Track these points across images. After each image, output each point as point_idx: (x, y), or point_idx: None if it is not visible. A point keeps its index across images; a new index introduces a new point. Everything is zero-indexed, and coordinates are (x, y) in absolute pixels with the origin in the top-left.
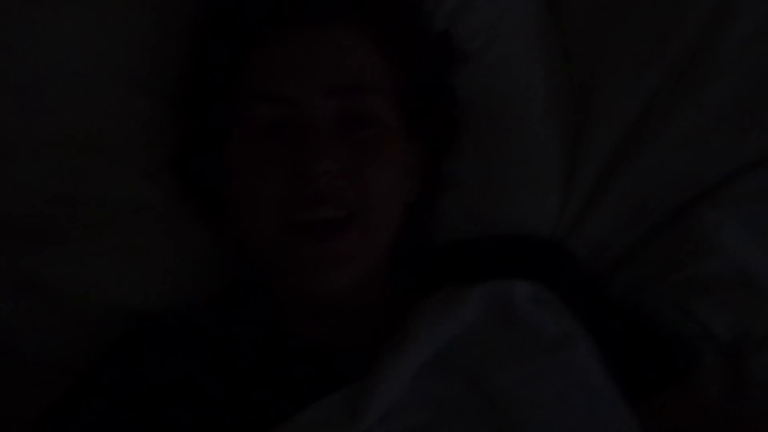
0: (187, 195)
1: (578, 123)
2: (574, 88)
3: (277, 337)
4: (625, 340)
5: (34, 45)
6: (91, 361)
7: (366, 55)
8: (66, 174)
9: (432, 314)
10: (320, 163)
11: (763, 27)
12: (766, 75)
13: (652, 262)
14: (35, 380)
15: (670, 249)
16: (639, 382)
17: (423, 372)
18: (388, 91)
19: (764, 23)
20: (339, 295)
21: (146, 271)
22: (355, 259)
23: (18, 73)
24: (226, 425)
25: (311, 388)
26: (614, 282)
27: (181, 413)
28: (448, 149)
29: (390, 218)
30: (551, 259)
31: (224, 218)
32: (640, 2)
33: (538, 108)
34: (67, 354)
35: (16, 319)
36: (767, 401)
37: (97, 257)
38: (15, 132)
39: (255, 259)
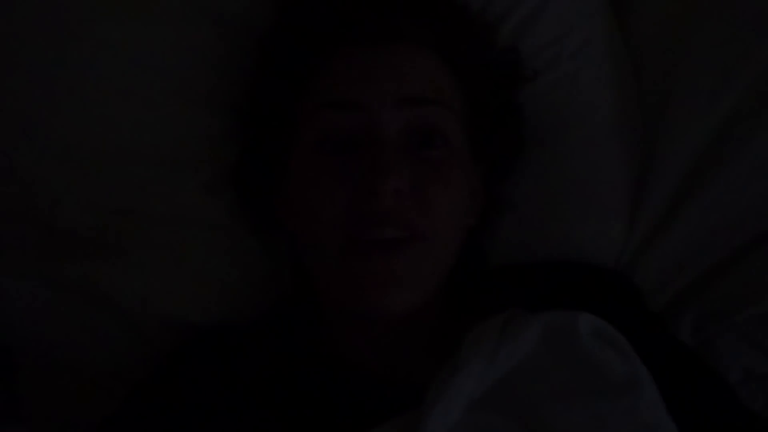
0: (246, 209)
1: (648, 144)
2: (644, 107)
3: (325, 360)
4: (687, 392)
5: (99, 59)
6: (146, 371)
7: (436, 72)
8: (127, 187)
9: (488, 343)
10: (389, 181)
11: None
12: None
13: (725, 294)
14: (92, 388)
15: (744, 281)
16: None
17: (476, 405)
18: (457, 110)
19: None
20: (395, 317)
21: (202, 285)
22: (414, 281)
23: (79, 86)
24: None
25: (357, 415)
26: (683, 315)
27: (227, 428)
28: (511, 169)
29: (452, 241)
30: (616, 292)
31: (282, 233)
32: (717, 18)
33: (605, 127)
34: (123, 363)
35: (75, 327)
36: None
37: (154, 270)
38: (78, 144)
39: (311, 276)
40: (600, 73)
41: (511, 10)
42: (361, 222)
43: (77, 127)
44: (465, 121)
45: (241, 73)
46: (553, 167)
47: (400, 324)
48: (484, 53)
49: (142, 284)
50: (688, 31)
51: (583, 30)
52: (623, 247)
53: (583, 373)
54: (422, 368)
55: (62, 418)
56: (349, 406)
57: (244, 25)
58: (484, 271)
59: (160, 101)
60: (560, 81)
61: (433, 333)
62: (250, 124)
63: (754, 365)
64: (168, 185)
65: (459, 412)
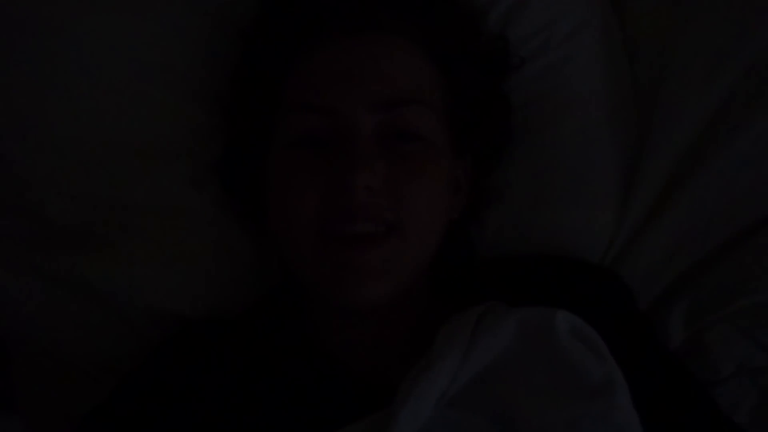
0: (232, 202)
1: (641, 131)
2: (637, 92)
3: (308, 353)
4: (660, 397)
5: (84, 51)
6: (135, 363)
7: (416, 65)
8: (113, 180)
9: (462, 338)
10: (360, 177)
11: None
12: None
13: (716, 285)
14: (81, 379)
15: (736, 272)
16: None
17: (450, 400)
18: (437, 103)
19: None
20: (373, 308)
21: (189, 277)
22: (391, 272)
23: (67, 79)
24: None
25: (337, 410)
26: (674, 306)
27: (211, 420)
28: (498, 160)
29: (430, 235)
30: (602, 290)
31: (265, 226)
32: (711, 3)
33: (596, 115)
34: (114, 355)
35: (66, 319)
36: None
37: (141, 262)
38: (66, 137)
39: (292, 268)
40: (592, 59)
41: None
42: (334, 217)
43: (65, 120)
44: (447, 113)
45: (226, 66)
46: (543, 156)
47: (382, 317)
48: (468, 43)
49: (131, 276)
50: (682, 16)
51: (576, 14)
52: (613, 236)
53: (558, 372)
54: (407, 362)
55: (56, 409)
56: (328, 402)
57: (230, 18)
58: (472, 263)
59: (147, 94)
60: (550, 68)
61: (418, 327)
62: (233, 118)
63: (746, 357)
64: (155, 178)
65: (429, 410)
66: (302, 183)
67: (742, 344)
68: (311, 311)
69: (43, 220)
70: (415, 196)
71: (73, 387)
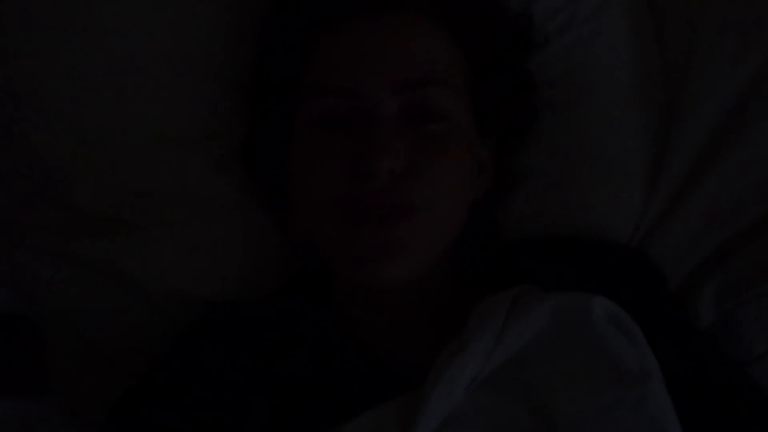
0: (256, 186)
1: (669, 109)
2: (665, 69)
3: (334, 336)
4: (696, 385)
5: (105, 38)
6: (164, 347)
7: (437, 45)
8: (138, 166)
9: (495, 321)
10: (383, 162)
11: None
12: None
13: (747, 264)
14: (112, 364)
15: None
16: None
17: (483, 383)
18: (459, 83)
19: None
20: (397, 288)
21: (215, 262)
22: (414, 252)
23: (89, 66)
24: (278, 421)
25: (364, 392)
26: (704, 286)
27: (239, 402)
28: (523, 140)
29: (453, 216)
30: (633, 272)
31: (290, 209)
32: None
33: (623, 92)
34: (141, 337)
35: (96, 304)
36: None
37: (170, 247)
38: (88, 125)
39: (316, 251)
40: (618, 35)
41: None
42: (358, 200)
43: (89, 107)
44: (469, 93)
45: (248, 50)
46: (569, 135)
47: (407, 299)
48: (490, 21)
49: (159, 261)
50: None
51: None
52: (642, 215)
53: (593, 360)
54: (429, 344)
55: (89, 393)
56: (356, 385)
57: (251, 2)
58: (498, 244)
59: (170, 80)
60: (576, 44)
61: (445, 309)
62: (256, 102)
63: None
64: (180, 163)
65: (461, 393)
66: (326, 166)
67: None
68: (336, 293)
69: (71, 207)
70: (438, 176)
71: (106, 371)
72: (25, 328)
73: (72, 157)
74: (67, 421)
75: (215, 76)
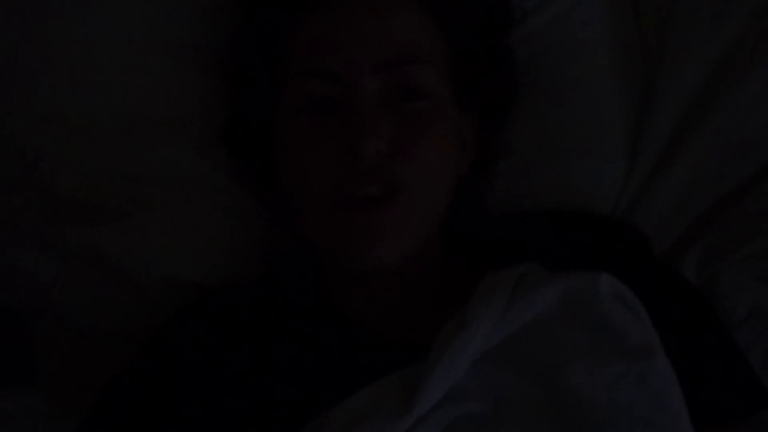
0: (241, 168)
1: (647, 80)
2: (643, 42)
3: (326, 317)
4: (691, 353)
5: (85, 21)
6: (151, 332)
7: (416, 23)
8: (122, 151)
9: (499, 299)
10: (369, 142)
11: None
12: None
13: (728, 230)
14: (98, 348)
15: (748, 215)
16: (700, 405)
17: (485, 358)
18: (439, 59)
19: None
20: (387, 269)
21: (203, 246)
22: (402, 230)
23: (69, 49)
24: (274, 403)
25: (360, 370)
26: (687, 252)
27: (231, 386)
28: (505, 115)
29: (441, 192)
30: (622, 243)
31: (276, 192)
32: None
33: (602, 65)
34: (128, 324)
35: (82, 292)
36: None
37: (155, 232)
38: (69, 109)
39: (304, 234)
40: (595, 10)
41: None
42: (344, 182)
43: (69, 93)
44: (449, 69)
45: (228, 33)
46: (551, 109)
47: (397, 277)
48: None
49: (144, 246)
50: None
51: None
52: (624, 186)
53: (599, 334)
54: (423, 322)
55: (78, 382)
56: (351, 363)
57: None
58: (484, 220)
59: (150, 63)
60: (554, 19)
61: (436, 287)
62: (237, 85)
63: (760, 301)
64: (164, 148)
65: (464, 367)
66: (310, 149)
67: (755, 288)
68: (326, 274)
69: (54, 195)
70: (423, 153)
71: (94, 359)
72: (11, 319)
73: (53, 144)
74: (56, 413)
75: (196, 59)
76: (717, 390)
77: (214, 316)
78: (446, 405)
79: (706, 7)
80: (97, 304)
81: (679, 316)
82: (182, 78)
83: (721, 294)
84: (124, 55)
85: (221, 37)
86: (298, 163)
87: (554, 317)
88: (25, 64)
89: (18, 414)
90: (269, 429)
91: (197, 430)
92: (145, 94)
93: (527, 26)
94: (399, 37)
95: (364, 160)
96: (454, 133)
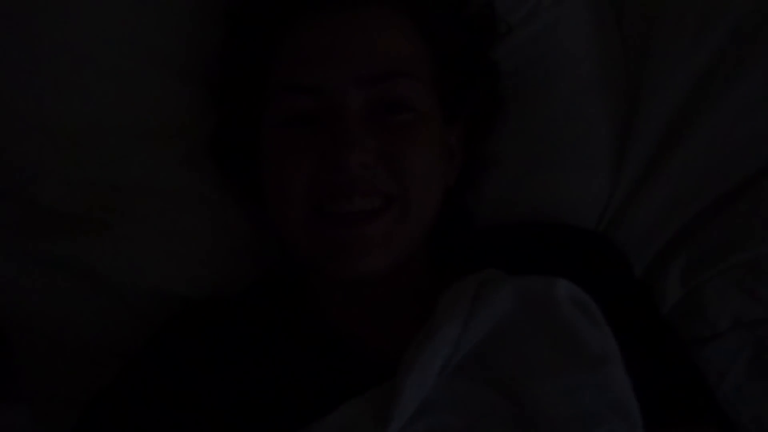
0: (227, 180)
1: (631, 94)
2: (626, 56)
3: (310, 329)
4: (652, 363)
5: (70, 33)
6: (138, 345)
7: (401, 37)
8: (106, 162)
9: (462, 306)
10: (352, 154)
11: None
12: None
13: (711, 241)
14: (84, 362)
15: (731, 227)
16: (651, 409)
17: (453, 370)
18: (424, 72)
19: None
20: (371, 281)
21: (188, 257)
22: (388, 243)
23: (54, 61)
24: (256, 417)
25: (342, 383)
26: (671, 263)
27: (215, 399)
28: (491, 127)
29: (428, 204)
30: (599, 257)
31: (261, 203)
32: None
33: (587, 79)
34: (114, 337)
35: (66, 304)
36: None
37: (138, 243)
38: (53, 121)
39: (288, 246)
40: (580, 23)
41: None
42: (326, 195)
43: (53, 102)
44: (434, 81)
45: (213, 46)
46: (536, 121)
47: (382, 288)
48: (453, 10)
49: (130, 258)
50: None
51: None
52: (609, 199)
53: (558, 341)
54: (407, 334)
55: (62, 395)
56: (335, 376)
57: None
58: (470, 231)
59: (136, 74)
60: (540, 33)
61: (420, 297)
62: (222, 97)
63: (742, 312)
64: (149, 159)
65: (434, 379)
66: (294, 162)
67: (738, 298)
68: (311, 286)
69: (38, 205)
70: (410, 165)
71: (78, 373)
72: None
73: (38, 153)
74: (39, 428)
75: (182, 71)
76: (669, 397)
77: (199, 328)
78: (421, 419)
79: (686, 25)
80: (82, 316)
81: (642, 328)
82: (168, 89)
83: (705, 304)
84: (111, 65)
85: (208, 49)
86: (282, 175)
87: (516, 324)
88: (10, 70)
89: (1, 429)
90: None
91: None
92: (131, 105)
93: (514, 39)
94: (383, 51)
95: (348, 173)
96: (440, 145)
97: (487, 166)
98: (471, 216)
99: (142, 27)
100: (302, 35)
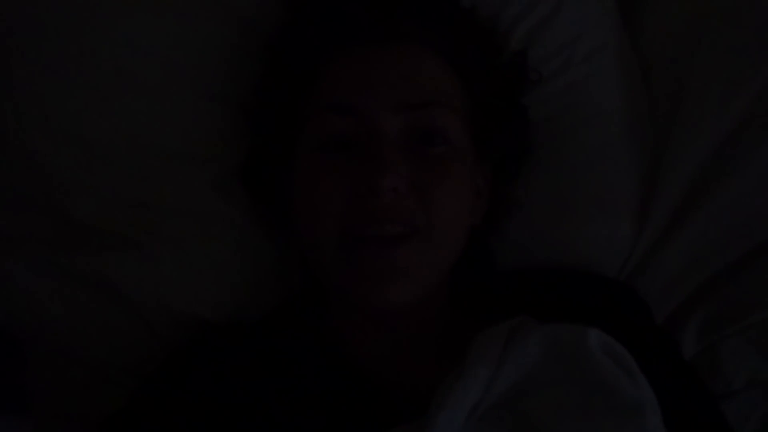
0: (255, 206)
1: (657, 149)
2: (654, 113)
3: (330, 359)
4: (683, 412)
5: (115, 52)
6: (155, 366)
7: (439, 74)
8: (140, 180)
9: (494, 350)
10: (386, 179)
11: None
12: None
13: (731, 299)
14: (94, 379)
15: (750, 287)
16: None
17: (482, 417)
18: (459, 109)
19: None
20: (396, 311)
21: (212, 281)
22: (415, 274)
23: (97, 78)
24: None
25: (361, 416)
26: (689, 319)
27: (233, 425)
28: (518, 171)
29: (454, 238)
30: (623, 305)
31: (289, 230)
32: (729, 25)
33: (614, 132)
34: (128, 355)
35: (86, 320)
36: None
37: (166, 264)
38: (91, 137)
39: (315, 272)
40: (611, 79)
41: (526, 13)
42: (360, 219)
43: (92, 119)
44: (469, 119)
45: (251, 70)
46: (564, 170)
47: (404, 323)
48: (488, 57)
49: (154, 278)
50: (698, 38)
51: (595, 36)
52: (631, 251)
53: (591, 390)
54: (430, 372)
55: (71, 411)
56: (355, 411)
57: (255, 23)
58: (492, 274)
59: (173, 96)
60: (572, 85)
61: (441, 336)
62: (258, 123)
63: (757, 371)
64: (181, 181)
65: (464, 419)
66: (328, 185)
67: (754, 358)
68: (333, 317)
69: (68, 218)
70: (441, 198)
71: (88, 389)
72: (4, 343)
73: (72, 167)
74: None
75: (218, 97)
76: None
77: (217, 353)
78: None
79: (715, 87)
80: (100, 333)
81: (672, 378)
82: (204, 113)
83: (721, 361)
84: (151, 86)
85: (246, 77)
86: (314, 198)
87: (547, 371)
88: (54, 83)
89: None
90: None
91: None
92: (167, 126)
93: (547, 88)
94: (423, 81)
95: (380, 197)
96: (470, 182)
97: (511, 209)
98: (493, 258)
99: (183, 52)
100: (345, 64)
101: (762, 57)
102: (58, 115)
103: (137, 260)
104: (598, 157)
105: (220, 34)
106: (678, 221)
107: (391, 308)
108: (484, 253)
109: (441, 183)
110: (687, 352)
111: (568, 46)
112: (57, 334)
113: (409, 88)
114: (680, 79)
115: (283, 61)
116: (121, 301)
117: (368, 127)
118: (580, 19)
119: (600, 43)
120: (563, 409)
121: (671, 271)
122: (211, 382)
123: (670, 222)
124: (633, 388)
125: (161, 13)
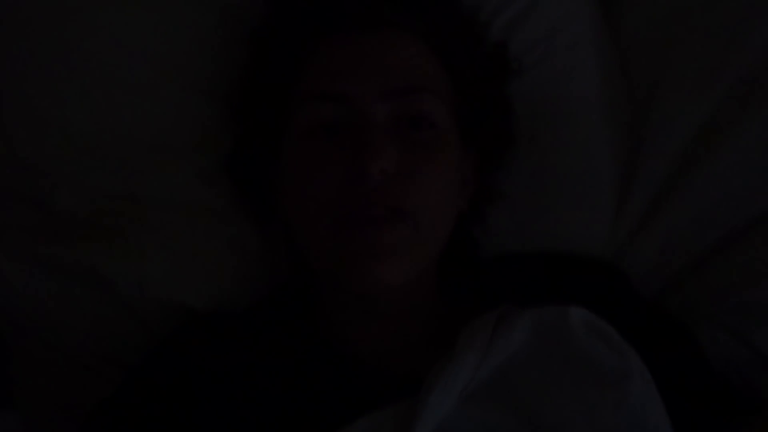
0: (241, 196)
1: (636, 137)
2: (632, 101)
3: (320, 344)
4: (679, 376)
5: (98, 45)
6: (141, 356)
7: (424, 60)
8: (125, 172)
9: (482, 337)
10: (374, 163)
11: None
12: None
13: (707, 284)
14: (79, 369)
15: (726, 272)
16: (691, 425)
17: (471, 397)
18: (444, 96)
19: None
20: (387, 292)
21: (198, 271)
22: (404, 254)
23: (80, 71)
24: (263, 430)
25: (352, 400)
26: (666, 305)
27: (222, 414)
28: (501, 160)
29: (442, 222)
30: (607, 282)
31: (276, 219)
32: (705, 15)
33: (594, 121)
34: (114, 345)
35: (72, 311)
36: None
37: (152, 254)
38: (77, 129)
39: (304, 259)
40: (591, 69)
41: (505, 5)
42: (350, 201)
43: (76, 112)
44: (453, 107)
45: (236, 61)
46: (545, 159)
47: (392, 309)
48: (471, 45)
49: (140, 268)
50: (678, 25)
51: (574, 27)
52: (609, 238)
53: (574, 365)
54: (417, 357)
55: (57, 403)
56: (344, 395)
57: (239, 14)
58: (476, 260)
59: (158, 88)
60: (553, 75)
61: (429, 323)
62: (244, 113)
63: (733, 356)
64: (166, 172)
65: (453, 402)
66: (318, 171)
67: (729, 343)
68: (321, 304)
69: (52, 210)
70: (428, 181)
71: (73, 380)
72: None
73: (56, 160)
74: None
75: (203, 89)
76: (702, 406)
77: (205, 342)
78: None
79: (690, 75)
80: (86, 323)
81: (664, 347)
82: (189, 105)
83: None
84: (135, 78)
85: (230, 67)
86: (304, 183)
87: (532, 351)
88: (36, 76)
89: None
90: None
91: None
92: (152, 118)
93: (528, 79)
94: (409, 67)
95: (370, 180)
96: (456, 168)
97: (495, 198)
98: (477, 245)
99: (167, 43)
100: (332, 51)
101: (736, 40)
102: (42, 107)
103: (123, 251)
104: (577, 147)
105: (204, 25)
106: (655, 209)
107: (381, 288)
108: (468, 242)
109: (429, 166)
110: None
111: (548, 37)
112: (42, 325)
113: (396, 74)
114: (657, 65)
115: (268, 50)
116: (107, 291)
117: (357, 113)
118: (558, 11)
119: (579, 35)
120: (548, 383)
121: (647, 258)
122: (199, 371)
123: (647, 209)
124: (616, 359)
125: (144, 4)
